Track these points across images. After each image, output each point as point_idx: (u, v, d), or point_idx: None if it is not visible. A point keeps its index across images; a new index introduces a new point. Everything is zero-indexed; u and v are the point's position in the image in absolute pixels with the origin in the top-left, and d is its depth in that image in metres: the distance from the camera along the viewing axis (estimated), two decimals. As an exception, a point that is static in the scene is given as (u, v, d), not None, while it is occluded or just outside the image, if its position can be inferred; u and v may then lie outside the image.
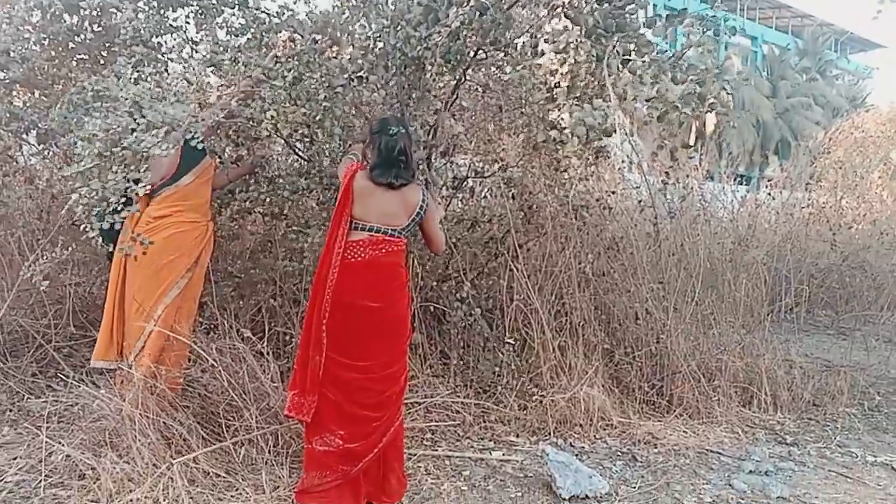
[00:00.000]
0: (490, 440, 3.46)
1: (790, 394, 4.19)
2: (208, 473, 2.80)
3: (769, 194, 7.76)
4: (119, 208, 2.66)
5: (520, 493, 2.89)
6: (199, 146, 2.92)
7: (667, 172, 4.72)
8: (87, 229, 2.73)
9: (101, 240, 2.93)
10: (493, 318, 3.88)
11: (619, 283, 4.56)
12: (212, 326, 3.39)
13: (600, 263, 4.56)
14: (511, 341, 3.72)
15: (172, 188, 3.26)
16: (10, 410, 3.23)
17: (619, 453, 3.38)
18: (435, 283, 4.25)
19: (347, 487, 2.69)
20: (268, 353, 3.19)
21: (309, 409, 2.73)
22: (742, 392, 4.14)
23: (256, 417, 2.99)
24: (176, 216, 3.26)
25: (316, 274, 2.88)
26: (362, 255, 2.81)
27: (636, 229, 4.71)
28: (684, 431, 3.69)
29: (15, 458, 2.81)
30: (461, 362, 4.06)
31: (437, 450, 3.25)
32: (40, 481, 2.67)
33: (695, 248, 4.72)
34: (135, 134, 2.69)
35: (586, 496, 2.84)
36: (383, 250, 2.82)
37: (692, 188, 5.35)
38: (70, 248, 3.47)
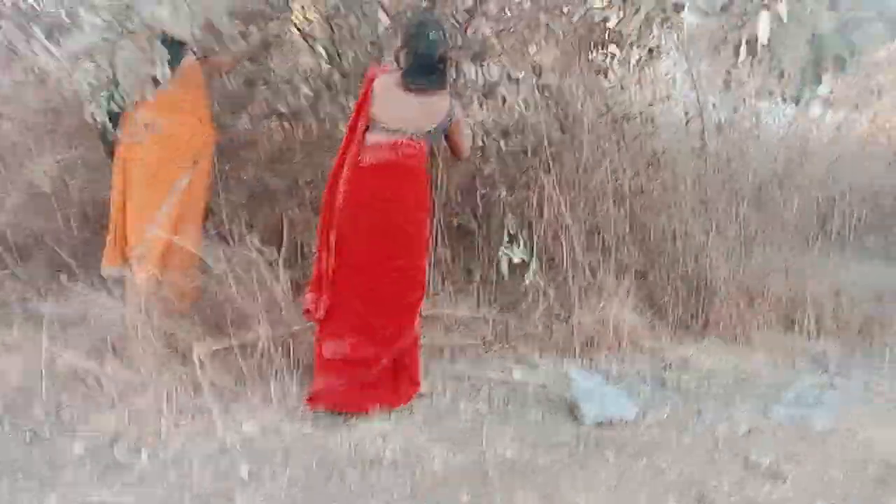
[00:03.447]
0: (512, 359, 3.30)
1: (836, 321, 3.92)
2: (214, 384, 2.70)
3: (824, 112, 7.22)
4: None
5: (540, 417, 2.74)
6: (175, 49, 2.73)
7: (721, 82, 4.34)
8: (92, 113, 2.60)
9: (107, 122, 2.82)
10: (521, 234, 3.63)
11: (659, 201, 4.27)
12: (222, 236, 3.22)
13: (639, 179, 4.26)
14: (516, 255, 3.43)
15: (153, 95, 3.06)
16: (19, 313, 3.15)
17: (649, 377, 3.19)
18: (460, 197, 4.01)
19: (358, 391, 2.58)
20: (281, 263, 3.02)
21: (321, 307, 2.59)
22: (784, 318, 3.89)
23: (266, 328, 2.85)
24: (164, 117, 3.05)
25: (330, 175, 2.68)
26: (379, 157, 2.60)
27: (680, 144, 4.35)
28: (720, 356, 3.48)
29: (19, 361, 2.73)
30: (485, 279, 3.87)
31: (456, 368, 3.11)
32: (43, 385, 2.60)
33: (743, 166, 4.37)
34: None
35: (611, 421, 2.67)
36: (402, 153, 2.60)
37: (743, 100, 4.93)
38: (77, 149, 3.31)
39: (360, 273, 2.61)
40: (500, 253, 3.45)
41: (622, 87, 4.26)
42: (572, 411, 2.75)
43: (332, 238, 2.62)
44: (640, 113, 4.35)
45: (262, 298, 2.90)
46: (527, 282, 3.42)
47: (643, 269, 4.05)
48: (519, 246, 3.36)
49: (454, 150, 2.89)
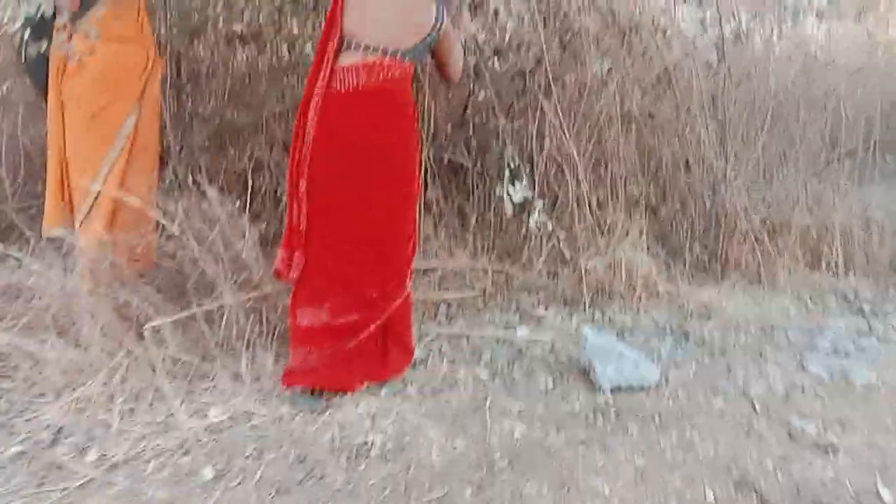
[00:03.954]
0: (515, 313, 2.95)
1: (865, 255, 3.58)
2: (178, 361, 2.34)
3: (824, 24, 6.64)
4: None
5: (551, 383, 2.41)
6: None
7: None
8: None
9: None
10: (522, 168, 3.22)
11: (670, 126, 3.85)
12: (179, 184, 2.80)
13: (648, 101, 3.82)
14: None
15: (86, 19, 2.57)
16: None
17: (669, 329, 2.86)
18: (450, 128, 3.57)
19: (342, 366, 2.22)
20: (247, 216, 2.62)
21: (294, 267, 2.22)
22: (809, 254, 3.54)
23: (235, 294, 2.47)
24: (100, 49, 2.58)
25: (299, 108, 2.25)
26: (355, 82, 2.17)
27: (695, 58, 3.88)
28: (744, 301, 3.15)
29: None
30: (482, 222, 3.48)
31: (452, 327, 2.76)
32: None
33: (764, 80, 3.92)
34: None
35: (631, 386, 2.35)
36: (383, 76, 2.17)
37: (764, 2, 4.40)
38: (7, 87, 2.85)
39: (339, 224, 2.22)
40: (500, 191, 3.06)
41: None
42: (586, 375, 2.42)
43: (304, 183, 2.21)
44: (652, 21, 3.87)
45: (227, 258, 2.52)
46: (532, 223, 3.04)
47: (655, 205, 3.67)
48: (521, 182, 2.95)
49: (443, 71, 2.45)
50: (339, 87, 2.18)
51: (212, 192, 2.47)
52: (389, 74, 2.18)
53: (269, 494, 1.81)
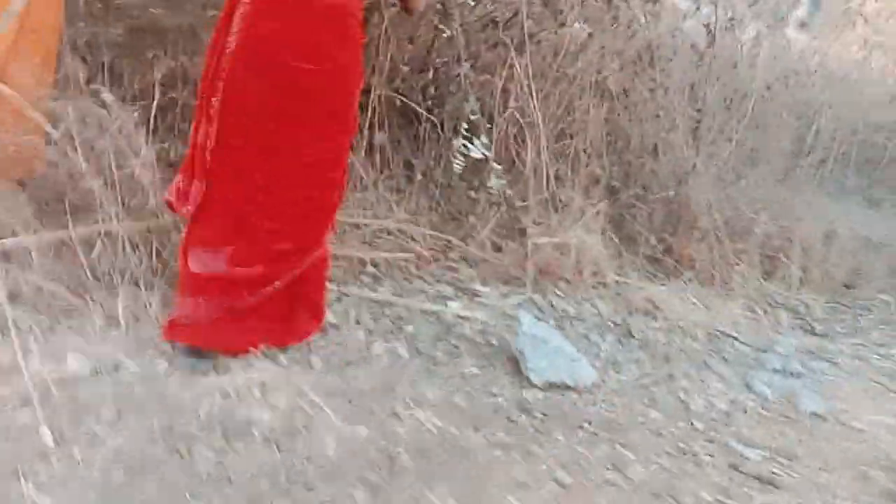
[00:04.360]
0: (448, 284, 2.65)
1: (822, 271, 3.42)
2: (42, 290, 1.96)
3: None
4: None
5: (476, 369, 2.13)
6: None
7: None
8: None
9: None
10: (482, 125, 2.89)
11: (644, 105, 3.57)
12: (77, 83, 2.35)
13: (624, 75, 3.53)
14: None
15: None
16: None
17: (612, 323, 2.61)
18: (408, 70, 3.19)
19: (234, 323, 1.88)
20: (149, 129, 2.23)
21: (191, 199, 1.85)
22: (767, 261, 3.36)
23: (121, 217, 2.09)
24: None
25: (223, 9, 1.86)
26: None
27: (682, 38, 3.60)
28: (693, 302, 2.93)
29: None
30: (428, 178, 3.16)
31: (376, 292, 2.44)
32: None
33: (748, 76, 3.68)
34: None
35: (565, 384, 2.09)
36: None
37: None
38: None
39: (253, 156, 1.85)
40: (457, 145, 2.73)
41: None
42: (516, 365, 2.15)
43: (217, 101, 1.83)
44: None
45: (119, 178, 2.13)
46: (490, 185, 2.72)
47: (616, 187, 3.41)
48: (480, 139, 2.63)
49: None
50: (271, -7, 1.80)
51: (108, 97, 2.05)
52: (340, -14, 1.81)
53: (118, 473, 1.48)
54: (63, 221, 2.06)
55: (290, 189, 1.88)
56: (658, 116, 3.49)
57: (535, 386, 2.05)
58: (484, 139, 2.69)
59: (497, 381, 2.08)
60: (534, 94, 2.97)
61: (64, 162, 2.13)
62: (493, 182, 2.68)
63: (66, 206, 2.12)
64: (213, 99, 1.83)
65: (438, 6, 2.95)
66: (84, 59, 2.50)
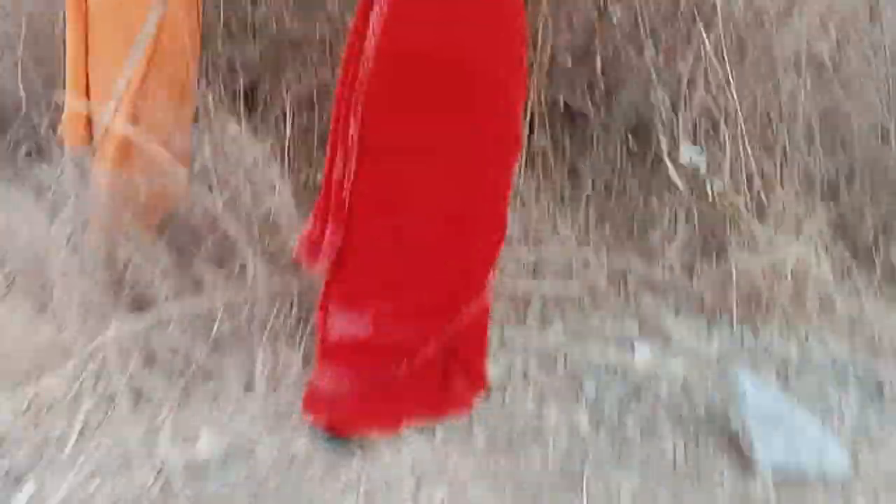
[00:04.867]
0: (633, 320, 2.19)
1: None
2: (177, 352, 1.76)
3: None
4: None
5: (681, 451, 1.66)
6: None
7: None
8: None
9: None
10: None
11: (862, 80, 2.85)
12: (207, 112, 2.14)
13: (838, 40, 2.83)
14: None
15: None
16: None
17: (852, 372, 2.02)
18: (570, 60, 2.73)
19: (382, 399, 1.57)
20: (287, 158, 1.98)
21: (325, 249, 1.55)
22: None
23: (257, 267, 1.85)
24: None
25: (358, 11, 1.55)
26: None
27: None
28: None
29: None
30: (600, 186, 2.70)
31: (545, 336, 2.03)
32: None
33: None
34: None
35: (805, 475, 1.57)
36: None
37: None
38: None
39: (400, 193, 1.53)
40: (681, 151, 2.26)
41: None
42: (735, 444, 1.66)
43: (355, 124, 1.51)
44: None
45: (256, 217, 1.89)
46: (714, 195, 2.24)
47: (837, 185, 2.74)
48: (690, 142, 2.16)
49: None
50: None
51: (234, 128, 1.81)
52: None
53: None
54: (201, 271, 1.85)
55: (447, 225, 1.53)
56: (883, 93, 2.77)
57: (765, 477, 1.56)
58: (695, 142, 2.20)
59: (710, 468, 1.60)
60: (731, 76, 2.40)
61: (201, 202, 1.93)
62: (714, 186, 2.17)
63: (205, 250, 1.92)
64: (351, 119, 1.51)
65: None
66: (222, 85, 2.32)
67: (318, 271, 1.57)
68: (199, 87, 2.18)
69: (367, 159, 1.51)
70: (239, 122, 1.96)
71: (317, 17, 2.56)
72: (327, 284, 1.58)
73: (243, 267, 1.80)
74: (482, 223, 1.56)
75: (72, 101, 2.08)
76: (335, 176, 1.56)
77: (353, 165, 1.52)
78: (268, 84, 2.35)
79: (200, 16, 2.20)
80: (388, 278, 1.54)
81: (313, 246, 1.56)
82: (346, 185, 1.53)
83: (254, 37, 2.50)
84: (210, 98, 2.07)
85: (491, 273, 1.64)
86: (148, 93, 2.00)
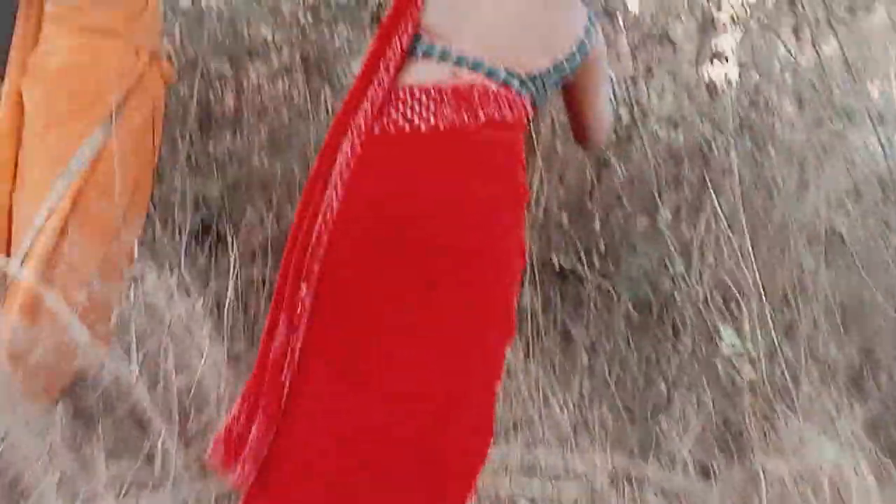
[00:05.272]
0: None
1: None
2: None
3: None
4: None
5: None
6: None
7: None
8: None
9: None
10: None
11: (877, 251, 2.66)
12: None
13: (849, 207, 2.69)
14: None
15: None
16: None
17: None
18: (567, 219, 2.49)
19: None
20: (226, 316, 1.63)
21: (250, 449, 1.15)
22: None
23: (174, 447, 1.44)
24: (71, 38, 1.73)
25: (321, 151, 1.26)
26: (432, 117, 1.14)
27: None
28: None
29: None
30: (598, 352, 2.39)
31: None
32: None
33: None
34: None
35: None
36: (485, 114, 1.14)
37: None
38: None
39: (357, 387, 1.16)
40: (723, 334, 1.95)
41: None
42: None
43: (307, 285, 1.17)
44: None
45: (176, 386, 1.51)
46: (746, 380, 1.92)
47: (857, 373, 2.44)
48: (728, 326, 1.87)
49: (579, 125, 1.40)
50: (399, 123, 1.16)
51: (164, 276, 1.47)
52: (497, 113, 1.15)
53: None
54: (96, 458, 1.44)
55: (414, 436, 1.15)
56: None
57: None
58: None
59: None
60: (750, 247, 2.15)
61: (114, 363, 1.55)
62: (748, 374, 1.84)
63: (109, 426, 1.52)
64: (301, 291, 1.18)
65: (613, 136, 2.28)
66: (173, 223, 2.01)
67: (239, 479, 1.17)
68: (144, 224, 1.88)
69: (319, 335, 1.16)
70: (177, 268, 1.63)
71: (289, 155, 2.33)
72: (250, 497, 1.16)
73: (150, 457, 1.38)
74: (464, 427, 1.19)
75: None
76: (273, 352, 1.20)
77: (298, 341, 1.17)
78: (224, 225, 2.05)
79: (157, 146, 1.96)
80: (336, 495, 1.14)
81: (234, 444, 1.17)
82: (288, 365, 1.17)
83: (217, 172, 2.24)
84: (152, 237, 1.74)
85: (471, 489, 1.25)
86: (80, 222, 1.70)
